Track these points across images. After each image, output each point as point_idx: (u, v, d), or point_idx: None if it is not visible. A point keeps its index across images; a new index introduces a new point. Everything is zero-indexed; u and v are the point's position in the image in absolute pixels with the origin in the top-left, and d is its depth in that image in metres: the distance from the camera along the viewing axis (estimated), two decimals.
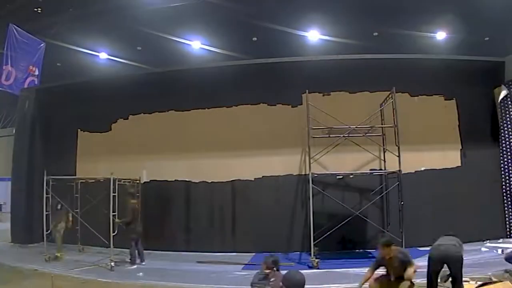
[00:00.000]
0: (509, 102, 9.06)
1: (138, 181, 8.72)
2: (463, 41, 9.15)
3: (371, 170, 8.70)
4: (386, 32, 9.10)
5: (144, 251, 7.84)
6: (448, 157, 9.23)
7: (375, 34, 9.39)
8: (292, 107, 9.43)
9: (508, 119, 9.02)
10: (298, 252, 8.46)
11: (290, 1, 9.02)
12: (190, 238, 9.20)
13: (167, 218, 9.47)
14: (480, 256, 7.31)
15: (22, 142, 10.32)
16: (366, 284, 4.51)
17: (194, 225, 9.31)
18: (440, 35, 9.29)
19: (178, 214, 9.43)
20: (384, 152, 8.67)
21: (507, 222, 8.95)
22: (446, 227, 8.25)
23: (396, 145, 7.72)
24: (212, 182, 9.36)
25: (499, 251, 7.62)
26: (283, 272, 3.71)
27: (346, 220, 7.48)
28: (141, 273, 6.99)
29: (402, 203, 7.51)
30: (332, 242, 7.78)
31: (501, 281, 5.18)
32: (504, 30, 8.91)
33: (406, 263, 4.28)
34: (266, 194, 9.10)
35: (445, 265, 4.44)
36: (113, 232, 7.28)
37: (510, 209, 8.93)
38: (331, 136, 7.93)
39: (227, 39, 10.19)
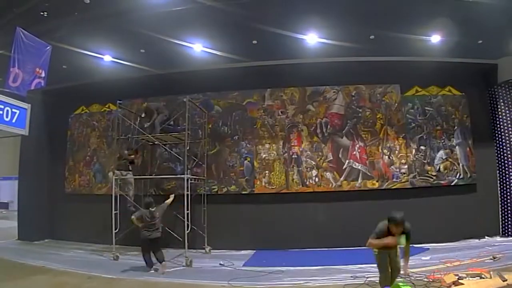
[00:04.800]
0: (502, 103, 9.30)
1: None
2: (457, 44, 9.38)
3: None
4: (383, 35, 9.34)
5: None
6: None
7: (372, 37, 9.63)
8: None
9: (503, 119, 9.25)
10: None
11: (289, 6, 9.25)
12: None
13: None
14: (473, 254, 7.54)
15: (28, 142, 10.59)
16: None
17: None
18: (435, 38, 9.53)
19: None
20: None
21: (502, 220, 9.16)
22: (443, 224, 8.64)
23: None
24: None
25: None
26: None
27: None
28: None
29: None
30: None
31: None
32: (497, 33, 9.16)
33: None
34: None
35: None
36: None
37: (505, 208, 9.14)
38: None
39: (228, 42, 10.42)
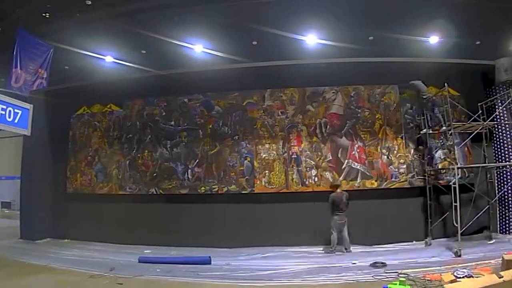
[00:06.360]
0: (500, 104, 9.36)
1: None
2: (455, 45, 9.47)
3: None
4: (381, 36, 9.43)
5: None
6: None
7: (371, 38, 9.72)
8: None
9: (501, 119, 9.31)
10: None
11: (289, 7, 9.34)
12: None
13: None
14: (471, 251, 7.61)
15: (30, 142, 10.67)
16: None
17: None
18: (433, 39, 9.62)
19: None
20: None
21: (500, 219, 9.24)
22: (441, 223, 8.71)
23: None
24: None
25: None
26: None
27: None
28: None
29: None
30: None
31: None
32: (495, 34, 9.23)
33: None
34: None
35: None
36: None
37: (502, 206, 9.22)
38: None
39: (228, 43, 10.50)
